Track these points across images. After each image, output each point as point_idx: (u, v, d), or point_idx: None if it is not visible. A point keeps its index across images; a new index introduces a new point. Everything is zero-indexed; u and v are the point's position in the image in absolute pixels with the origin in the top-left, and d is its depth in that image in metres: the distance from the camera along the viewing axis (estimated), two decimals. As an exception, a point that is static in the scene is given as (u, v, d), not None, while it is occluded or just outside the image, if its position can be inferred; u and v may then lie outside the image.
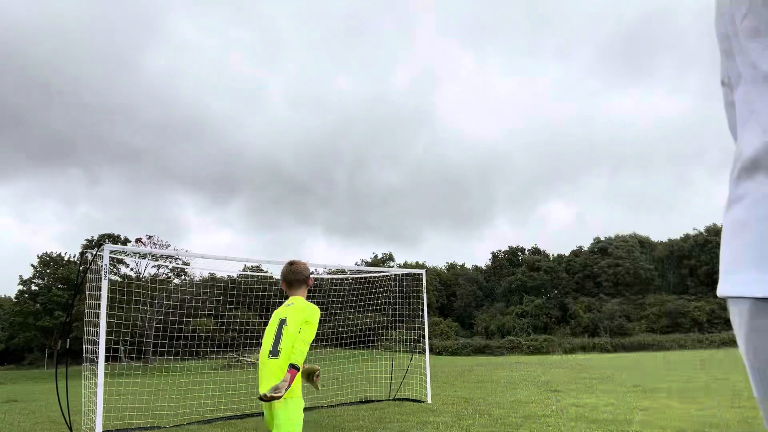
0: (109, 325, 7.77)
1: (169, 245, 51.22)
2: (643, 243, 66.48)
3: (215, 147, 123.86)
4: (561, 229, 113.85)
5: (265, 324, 4.49)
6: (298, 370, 3.49)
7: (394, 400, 11.79)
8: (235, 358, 31.13)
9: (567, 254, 68.93)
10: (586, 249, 68.11)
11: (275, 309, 4.20)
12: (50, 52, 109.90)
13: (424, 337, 11.95)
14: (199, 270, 42.69)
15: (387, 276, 13.33)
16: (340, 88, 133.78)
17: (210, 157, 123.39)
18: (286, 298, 4.21)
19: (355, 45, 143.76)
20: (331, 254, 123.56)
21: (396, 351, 15.16)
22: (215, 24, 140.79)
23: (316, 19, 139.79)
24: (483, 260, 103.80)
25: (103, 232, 54.75)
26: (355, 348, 17.24)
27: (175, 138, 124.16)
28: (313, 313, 3.81)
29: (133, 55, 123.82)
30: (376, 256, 72.03)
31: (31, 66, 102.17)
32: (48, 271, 54.20)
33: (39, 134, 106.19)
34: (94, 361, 7.68)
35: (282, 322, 3.83)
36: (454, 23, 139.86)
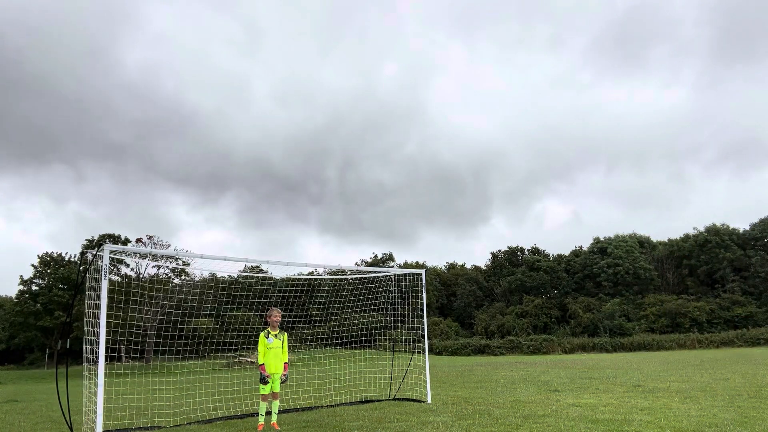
0: (109, 325, 7.77)
1: (169, 245, 51.22)
2: (643, 243, 66.49)
3: (201, 143, 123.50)
4: (558, 227, 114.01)
5: (266, 324, 8.89)
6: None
7: (394, 400, 11.79)
8: (235, 357, 31.13)
9: (567, 254, 68.94)
10: (585, 249, 68.12)
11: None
12: (19, 46, 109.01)
13: (423, 337, 11.95)
14: (199, 270, 42.64)
15: (387, 276, 13.32)
16: (326, 83, 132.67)
17: (196, 153, 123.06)
18: (267, 324, 8.79)
19: (340, 36, 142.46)
20: (324, 253, 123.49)
21: (396, 351, 15.16)
22: (192, 13, 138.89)
23: (298, 7, 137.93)
24: (482, 260, 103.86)
25: (97, 231, 54.97)
26: (355, 348, 17.24)
27: (158, 133, 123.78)
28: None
29: (107, 46, 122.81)
30: (375, 256, 72.00)
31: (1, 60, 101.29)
32: (48, 271, 54.19)
33: (19, 130, 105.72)
34: (94, 361, 7.69)
35: (282, 343, 8.71)
36: (441, 13, 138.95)
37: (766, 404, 9.38)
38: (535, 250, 71.09)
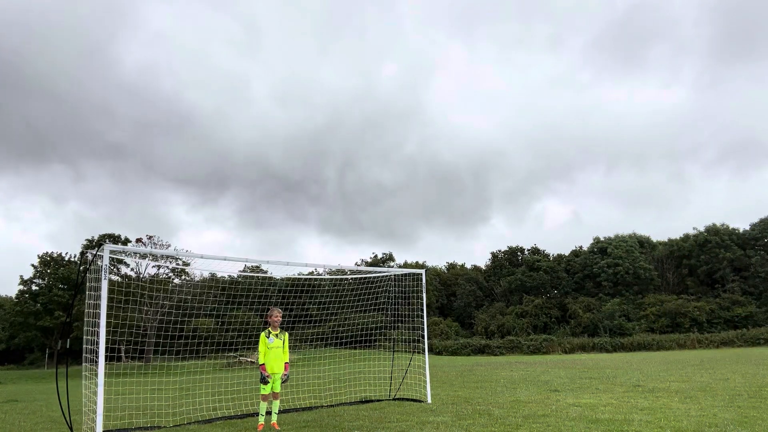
0: (109, 325, 7.77)
1: (169, 245, 51.22)
2: (643, 243, 66.50)
3: (201, 143, 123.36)
4: (558, 227, 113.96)
5: (266, 324, 8.89)
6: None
7: (394, 400, 11.79)
8: (236, 357, 31.13)
9: (567, 254, 68.95)
10: (585, 249, 68.11)
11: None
12: (17, 46, 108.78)
13: (423, 337, 11.95)
14: (199, 270, 42.64)
15: (387, 276, 13.32)
16: (326, 83, 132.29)
17: (196, 153, 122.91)
18: (267, 324, 8.77)
19: (340, 36, 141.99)
20: (324, 253, 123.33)
21: (396, 351, 15.17)
22: (191, 12, 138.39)
23: (297, 7, 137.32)
24: (482, 260, 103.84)
25: (97, 231, 55.01)
26: (355, 348, 17.24)
27: (158, 133, 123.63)
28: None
29: (105, 46, 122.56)
30: (375, 256, 71.97)
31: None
32: (48, 271, 54.18)
33: (17, 129, 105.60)
34: (94, 361, 7.69)
35: (283, 343, 8.68)
36: (441, 12, 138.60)
37: (766, 404, 9.39)
38: (535, 250, 71.09)
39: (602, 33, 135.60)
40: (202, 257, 9.68)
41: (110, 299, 8.09)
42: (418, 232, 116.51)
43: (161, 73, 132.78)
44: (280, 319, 8.78)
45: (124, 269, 50.48)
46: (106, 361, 7.58)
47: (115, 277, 46.69)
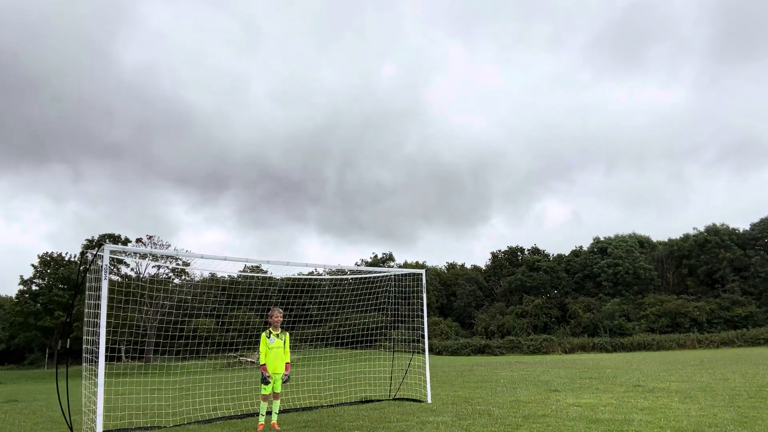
0: (109, 325, 7.77)
1: (169, 245, 51.20)
2: (643, 243, 66.50)
3: (200, 143, 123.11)
4: (558, 227, 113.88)
5: (266, 324, 9.04)
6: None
7: (394, 400, 11.79)
8: (236, 357, 31.14)
9: (567, 254, 68.95)
10: (585, 249, 68.11)
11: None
12: (17, 46, 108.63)
13: (423, 337, 11.95)
14: (199, 270, 42.59)
15: (387, 276, 13.32)
16: (325, 83, 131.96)
17: (195, 153, 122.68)
18: (268, 324, 8.85)
19: (339, 36, 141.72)
20: (324, 253, 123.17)
21: (396, 351, 15.18)
22: (190, 12, 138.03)
23: (297, 6, 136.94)
24: (482, 260, 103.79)
25: (96, 231, 54.95)
26: (355, 348, 17.24)
27: (157, 133, 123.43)
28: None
29: (104, 46, 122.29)
30: (375, 256, 71.96)
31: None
32: (48, 271, 54.17)
33: (16, 129, 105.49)
34: (94, 361, 7.69)
35: (284, 343, 8.68)
36: (441, 12, 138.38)
37: (766, 404, 9.39)
38: (535, 250, 71.08)
39: (602, 33, 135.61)
40: (202, 257, 9.68)
41: (110, 299, 8.08)
42: (418, 232, 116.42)
43: (161, 72, 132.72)
44: (281, 319, 8.78)
45: (124, 269, 50.46)
46: (106, 361, 7.58)
47: (115, 277, 46.67)
